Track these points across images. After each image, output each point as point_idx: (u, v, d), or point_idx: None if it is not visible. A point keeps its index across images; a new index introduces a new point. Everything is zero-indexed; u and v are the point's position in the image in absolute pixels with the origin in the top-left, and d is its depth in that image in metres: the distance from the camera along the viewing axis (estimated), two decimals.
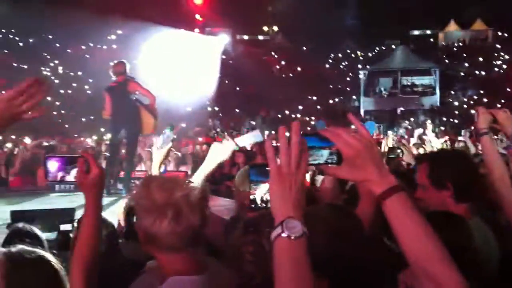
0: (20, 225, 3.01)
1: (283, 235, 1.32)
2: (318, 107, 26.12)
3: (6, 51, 24.74)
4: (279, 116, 23.75)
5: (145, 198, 1.87)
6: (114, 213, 3.24)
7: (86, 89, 22.30)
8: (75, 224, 3.22)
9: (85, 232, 2.12)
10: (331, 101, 27.64)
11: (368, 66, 31.59)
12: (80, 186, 2.10)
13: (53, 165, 2.16)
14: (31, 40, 26.35)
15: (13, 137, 13.31)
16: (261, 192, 2.14)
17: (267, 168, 2.22)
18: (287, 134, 1.40)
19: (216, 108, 24.21)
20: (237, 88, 26.21)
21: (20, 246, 2.08)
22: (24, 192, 8.97)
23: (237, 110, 24.83)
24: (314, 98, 27.20)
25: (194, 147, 13.39)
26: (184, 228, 1.84)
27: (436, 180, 2.62)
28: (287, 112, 24.90)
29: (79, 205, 6.77)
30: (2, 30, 26.23)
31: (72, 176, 2.17)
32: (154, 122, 8.94)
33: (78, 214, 5.43)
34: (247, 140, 11.22)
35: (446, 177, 2.61)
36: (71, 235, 3.29)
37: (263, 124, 16.78)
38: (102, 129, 16.14)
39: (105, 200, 7.27)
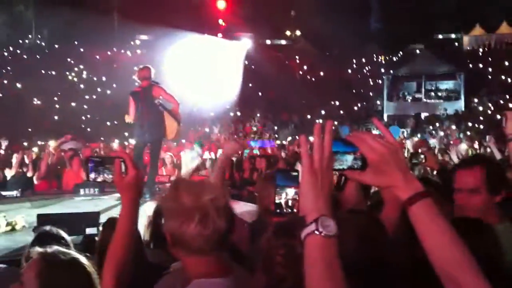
0: (47, 228, 3.05)
1: (317, 232, 1.30)
2: (341, 112, 25.95)
3: (33, 56, 25.23)
4: (301, 121, 23.71)
5: (173, 201, 1.90)
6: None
7: (110, 94, 22.55)
8: (100, 228, 3.25)
9: (119, 235, 2.09)
10: (354, 106, 27.47)
11: (391, 71, 31.35)
12: (117, 188, 2.08)
13: (93, 165, 2.13)
14: (56, 46, 26.76)
15: (40, 142, 13.55)
16: (286, 197, 2.15)
17: (293, 174, 2.23)
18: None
19: (239, 113, 24.26)
20: (260, 93, 26.21)
21: (55, 247, 2.12)
22: (49, 196, 9.10)
23: (258, 115, 24.84)
24: (337, 103, 27.08)
25: (217, 151, 13.44)
26: (210, 232, 1.86)
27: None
28: (309, 116, 24.82)
29: (104, 209, 6.89)
30: (29, 36, 26.73)
31: (108, 177, 2.14)
32: (177, 127, 9.01)
33: (103, 218, 5.52)
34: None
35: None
36: (96, 238, 3.33)
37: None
38: (126, 134, 16.33)
39: None
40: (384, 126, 1.49)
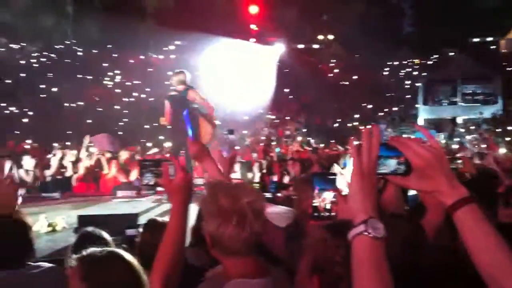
0: (90, 229, 3.12)
1: (366, 234, 1.33)
2: (375, 116, 25.71)
3: (69, 61, 25.74)
4: (335, 125, 23.59)
5: (212, 203, 1.95)
6: None
7: (145, 98, 22.86)
8: (140, 229, 3.31)
9: (167, 239, 2.08)
10: (388, 110, 27.18)
11: (426, 74, 30.90)
12: (166, 190, 2.12)
13: (146, 168, 2.16)
14: (92, 51, 27.25)
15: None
16: (324, 200, 2.16)
17: (330, 177, 2.24)
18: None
19: (273, 117, 24.28)
20: (293, 97, 26.19)
21: (90, 249, 2.16)
22: (88, 198, 9.31)
23: (287, 118, 24.80)
24: (371, 106, 26.84)
25: (251, 155, 13.48)
26: (248, 234, 1.91)
27: None
28: (340, 120, 24.69)
29: (141, 211, 7.01)
30: (66, 41, 27.29)
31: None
32: (212, 131, 9.11)
33: (141, 220, 5.62)
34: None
35: None
36: (136, 240, 3.39)
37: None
38: (161, 137, 16.53)
39: (164, 207, 7.49)
40: (428, 131, 1.50)
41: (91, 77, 23.89)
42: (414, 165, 1.42)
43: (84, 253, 2.13)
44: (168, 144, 13.39)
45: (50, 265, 2.98)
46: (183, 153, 9.20)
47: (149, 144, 15.13)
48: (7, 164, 10.19)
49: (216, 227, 1.91)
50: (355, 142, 1.41)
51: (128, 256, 2.14)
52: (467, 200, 1.39)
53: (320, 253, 1.73)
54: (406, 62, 31.12)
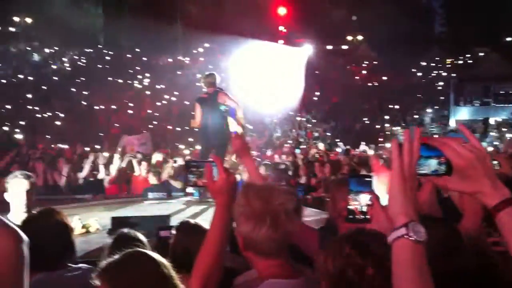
0: (125, 230, 3.15)
1: (407, 237, 1.30)
2: (405, 117, 25.42)
3: (100, 66, 26.18)
4: (364, 126, 23.40)
5: (244, 205, 1.95)
6: (206, 220, 3.32)
7: (175, 100, 23.09)
8: (173, 231, 3.32)
9: (209, 241, 2.04)
10: (419, 111, 26.85)
11: (457, 75, 30.39)
12: (209, 192, 2.08)
13: (191, 170, 2.13)
14: (122, 55, 27.64)
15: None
16: (359, 203, 2.13)
17: (366, 179, 2.21)
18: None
19: (303, 119, 24.24)
20: (321, 98, 26.08)
21: (108, 259, 2.12)
22: (119, 199, 9.43)
23: (314, 121, 24.72)
24: (398, 107, 26.54)
25: (280, 156, 13.49)
26: (281, 235, 1.91)
27: None
28: (369, 121, 24.48)
29: (173, 212, 7.06)
30: (99, 46, 27.77)
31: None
32: (241, 133, 9.14)
33: (173, 221, 5.67)
34: None
35: None
36: (169, 241, 3.40)
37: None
38: (191, 139, 16.65)
39: (195, 209, 7.53)
40: (469, 131, 1.47)
41: (121, 80, 24.23)
42: (456, 166, 1.39)
43: (103, 264, 2.07)
44: (198, 147, 13.50)
45: (90, 267, 3.02)
46: (212, 155, 9.25)
47: (181, 146, 15.25)
48: (41, 167, 10.42)
49: (250, 229, 1.92)
50: (396, 143, 1.39)
51: (152, 254, 2.10)
52: (510, 202, 1.36)
53: (333, 267, 1.66)
54: (437, 62, 30.68)
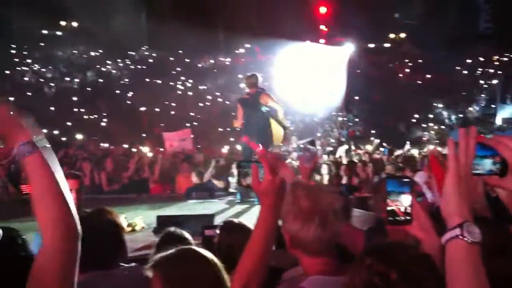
0: (172, 229, 3.20)
1: (462, 237, 1.29)
2: (451, 115, 24.85)
3: (143, 67, 26.64)
4: (408, 125, 23.00)
5: (293, 204, 1.97)
6: (249, 220, 3.34)
7: (216, 101, 23.28)
8: (218, 230, 3.36)
9: (253, 242, 1.98)
10: (464, 109, 26.18)
11: (503, 72, 29.47)
12: (255, 192, 2.03)
13: (242, 170, 2.09)
14: (164, 56, 28.01)
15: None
16: (400, 204, 2.11)
17: (404, 180, 2.19)
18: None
19: (344, 118, 24.03)
20: (364, 97, 25.77)
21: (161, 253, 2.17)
22: (163, 199, 9.60)
23: (357, 120, 24.44)
24: (443, 105, 25.95)
25: (322, 156, 13.41)
26: (329, 235, 1.93)
27: None
28: (414, 121, 24.04)
29: (216, 211, 7.15)
30: (142, 48, 28.23)
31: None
32: (283, 133, 9.15)
33: (216, 220, 5.74)
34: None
35: None
36: (214, 240, 3.44)
37: None
38: (232, 139, 16.75)
39: (237, 208, 7.60)
40: None
41: (164, 82, 24.58)
42: None
43: (157, 257, 2.13)
44: (239, 147, 13.59)
45: (141, 265, 3.09)
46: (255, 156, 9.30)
47: (226, 147, 15.37)
48: (88, 167, 10.70)
49: (298, 228, 1.94)
50: (452, 143, 1.38)
51: (203, 251, 2.13)
52: None
53: (363, 280, 1.62)
54: (482, 59, 29.85)
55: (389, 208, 2.10)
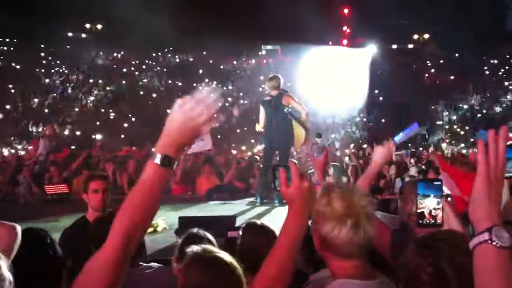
0: (195, 230, 3.20)
1: (490, 242, 1.27)
2: (475, 116, 24.48)
3: (162, 68, 26.84)
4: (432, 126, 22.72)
5: (326, 205, 1.97)
6: (271, 221, 3.33)
7: (237, 102, 23.32)
8: (240, 232, 3.35)
9: (277, 246, 1.91)
10: (489, 110, 25.76)
11: None
12: (283, 197, 1.96)
13: (276, 173, 2.02)
14: (187, 58, 28.17)
15: None
16: (427, 206, 2.09)
17: (435, 183, 2.16)
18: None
19: (365, 119, 23.87)
20: (386, 99, 25.57)
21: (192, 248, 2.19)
22: (184, 200, 9.64)
23: (383, 120, 24.21)
24: (466, 107, 25.60)
25: (343, 157, 13.36)
26: (361, 238, 1.92)
27: None
28: (440, 122, 23.76)
29: (237, 213, 7.15)
30: (166, 50, 28.42)
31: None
32: (306, 135, 9.12)
33: (238, 221, 5.75)
34: None
35: None
36: (237, 242, 3.43)
37: None
38: (252, 141, 16.76)
39: (258, 209, 7.60)
40: None
41: (186, 83, 24.75)
42: None
43: (189, 253, 2.13)
44: (260, 147, 13.60)
45: (160, 265, 3.11)
46: (276, 159, 9.30)
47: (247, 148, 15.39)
48: (111, 168, 10.79)
49: (330, 230, 1.93)
50: (483, 145, 1.34)
51: (232, 263, 2.07)
52: None
53: (409, 270, 1.67)
54: (509, 59, 29.34)
55: (419, 211, 2.08)
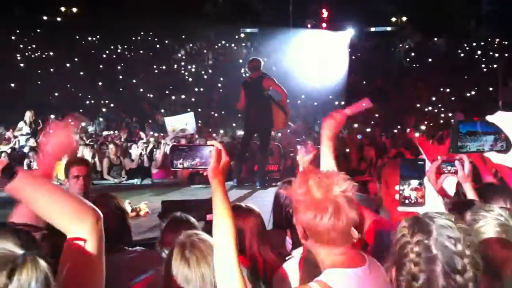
0: (178, 213, 3.21)
1: None
2: (452, 99, 24.72)
3: (144, 53, 26.52)
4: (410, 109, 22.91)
5: (305, 193, 1.94)
6: (255, 204, 3.35)
7: (217, 86, 23.21)
8: None
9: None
10: (466, 93, 26.04)
11: (506, 55, 29.26)
12: (212, 173, 2.04)
13: (178, 154, 2.11)
14: (166, 42, 27.89)
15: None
16: (411, 188, 2.09)
17: (418, 163, 2.18)
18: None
19: (343, 103, 23.96)
20: (364, 82, 25.67)
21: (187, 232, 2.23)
22: (166, 184, 9.64)
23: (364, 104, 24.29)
24: (447, 90, 25.81)
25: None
26: (344, 224, 1.89)
27: None
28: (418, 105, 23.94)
29: None
30: (141, 33, 28.03)
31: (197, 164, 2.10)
32: (285, 118, 9.15)
33: None
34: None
35: None
36: None
37: None
38: (234, 124, 16.76)
39: (240, 192, 7.61)
40: None
41: (165, 68, 24.55)
42: None
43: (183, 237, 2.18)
44: (240, 132, 13.59)
45: (145, 249, 3.13)
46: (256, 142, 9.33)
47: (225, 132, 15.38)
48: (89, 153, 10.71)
49: (311, 218, 1.90)
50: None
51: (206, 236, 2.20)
52: None
53: (398, 249, 1.72)
54: (484, 42, 29.67)
55: (401, 192, 2.10)
